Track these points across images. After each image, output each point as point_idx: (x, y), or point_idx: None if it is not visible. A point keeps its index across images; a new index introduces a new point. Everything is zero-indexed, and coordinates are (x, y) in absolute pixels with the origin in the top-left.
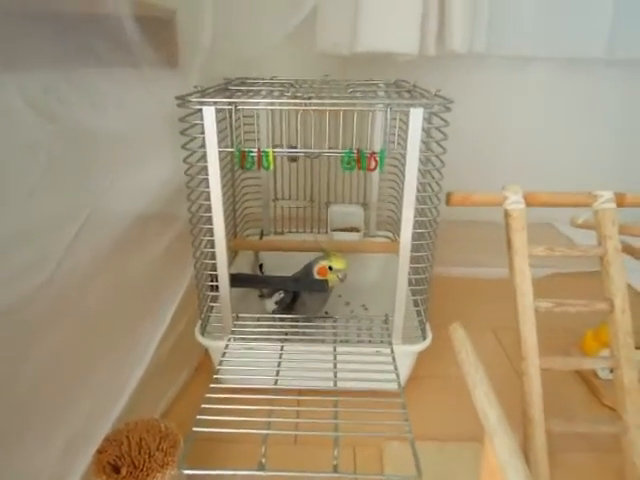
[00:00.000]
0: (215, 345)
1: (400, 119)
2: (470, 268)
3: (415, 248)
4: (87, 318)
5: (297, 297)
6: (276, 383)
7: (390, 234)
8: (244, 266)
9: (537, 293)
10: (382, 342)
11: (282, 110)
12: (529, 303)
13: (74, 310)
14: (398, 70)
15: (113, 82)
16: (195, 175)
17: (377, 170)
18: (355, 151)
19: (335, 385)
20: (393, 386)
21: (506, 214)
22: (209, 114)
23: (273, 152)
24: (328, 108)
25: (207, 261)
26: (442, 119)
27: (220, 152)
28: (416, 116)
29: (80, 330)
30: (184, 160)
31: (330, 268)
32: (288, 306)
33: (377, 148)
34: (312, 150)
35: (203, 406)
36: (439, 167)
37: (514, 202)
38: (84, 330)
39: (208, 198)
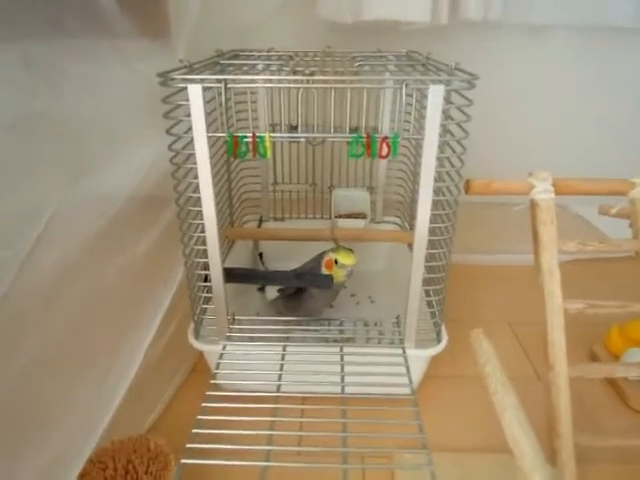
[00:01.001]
0: (211, 349)
1: (413, 97)
2: (483, 255)
3: (430, 244)
4: (59, 332)
5: (304, 288)
6: (278, 389)
7: (398, 220)
8: (242, 255)
9: None
10: (393, 345)
11: (281, 88)
12: (558, 305)
13: (43, 325)
14: (405, 41)
15: (83, 56)
16: (182, 164)
17: (390, 156)
18: (365, 136)
19: (343, 391)
20: (405, 391)
21: (533, 204)
22: (195, 93)
23: (271, 137)
24: (334, 86)
25: (198, 260)
26: (465, 97)
27: (209, 138)
28: (436, 94)
29: (51, 346)
30: (169, 147)
31: (336, 262)
32: (292, 295)
33: (385, 131)
34: (315, 135)
35: (199, 417)
36: (460, 153)
37: (542, 191)
38: (56, 345)
39: (197, 190)
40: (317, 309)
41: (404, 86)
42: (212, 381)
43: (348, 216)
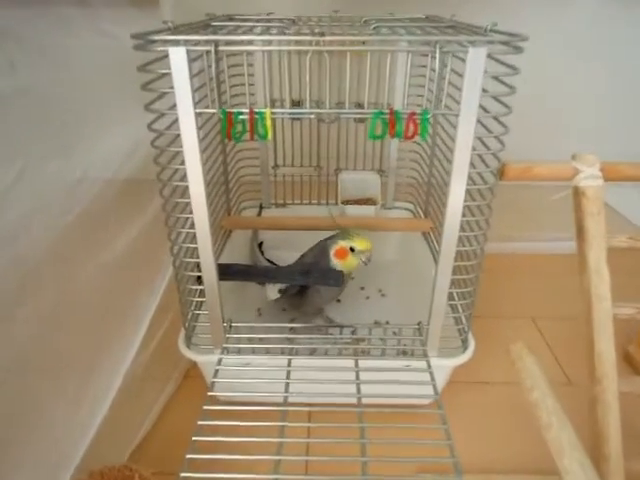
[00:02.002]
0: (205, 360)
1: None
2: (503, 243)
3: (459, 241)
4: (21, 344)
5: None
6: (285, 402)
7: (410, 205)
8: (241, 245)
9: (568, 272)
10: (415, 356)
11: (282, 53)
12: (607, 311)
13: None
14: (420, 6)
15: (62, 26)
16: (166, 147)
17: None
18: (388, 111)
19: (359, 402)
20: (430, 403)
21: (577, 192)
22: (179, 58)
23: (272, 114)
24: (351, 48)
25: (188, 259)
26: (507, 65)
27: (198, 115)
28: (476, 59)
29: (13, 361)
30: (149, 127)
31: (352, 250)
32: (296, 294)
33: (398, 105)
34: (327, 110)
35: (194, 439)
36: (499, 134)
37: (589, 177)
38: (18, 361)
39: (184, 178)
40: (323, 304)
41: (437, 49)
42: (210, 393)
43: (356, 202)
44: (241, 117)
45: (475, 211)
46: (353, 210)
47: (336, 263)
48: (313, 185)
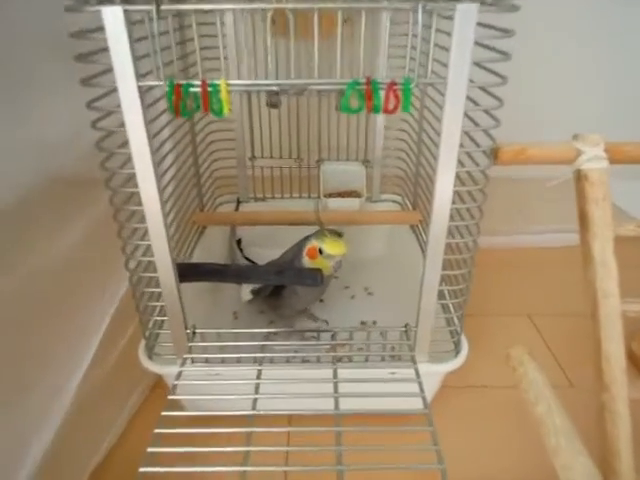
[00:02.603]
0: (168, 372)
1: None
2: (496, 237)
3: (449, 232)
4: None
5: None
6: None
7: (398, 197)
8: (217, 243)
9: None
10: (402, 362)
11: (243, 13)
12: (615, 308)
13: None
14: None
15: None
16: (110, 131)
17: (400, 110)
18: (365, 81)
19: (337, 408)
20: (419, 414)
21: (580, 177)
22: (115, 20)
23: (228, 86)
24: (319, 5)
25: (144, 258)
26: (499, 29)
27: (145, 90)
28: (466, 18)
29: None
30: (88, 105)
31: (320, 252)
32: (272, 295)
33: (382, 76)
34: (289, 81)
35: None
36: (493, 107)
37: (592, 158)
38: None
39: (131, 164)
40: (303, 306)
41: (420, 7)
42: (163, 412)
43: (340, 195)
44: (191, 89)
45: (466, 198)
46: (336, 203)
47: (308, 263)
48: (294, 177)
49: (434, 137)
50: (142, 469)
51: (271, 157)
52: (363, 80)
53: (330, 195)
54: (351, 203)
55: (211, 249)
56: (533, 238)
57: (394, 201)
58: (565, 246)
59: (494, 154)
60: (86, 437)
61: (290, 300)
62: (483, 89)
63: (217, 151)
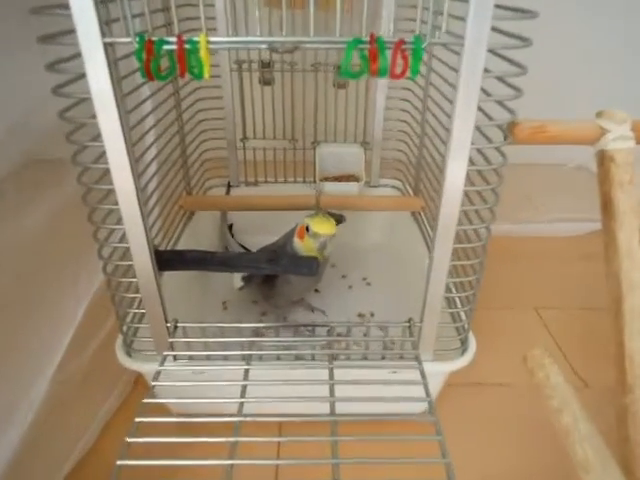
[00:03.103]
0: (149, 369)
1: None
2: (502, 225)
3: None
4: None
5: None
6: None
7: (398, 183)
8: (207, 229)
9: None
10: (403, 357)
11: None
12: None
13: None
14: None
15: None
16: (78, 98)
17: (408, 75)
18: (368, 39)
19: (332, 412)
20: (424, 420)
21: (603, 158)
22: None
23: (208, 43)
24: None
25: (118, 244)
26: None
27: (109, 47)
28: None
29: None
30: (48, 67)
31: (307, 230)
32: (264, 282)
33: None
34: (281, 39)
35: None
36: (514, 74)
37: (618, 138)
38: None
39: (100, 137)
40: (298, 296)
41: None
42: (137, 419)
43: (337, 179)
44: (166, 47)
45: (479, 181)
46: (334, 187)
47: (298, 244)
48: (288, 160)
49: (440, 116)
50: None
51: (264, 138)
52: (366, 39)
53: (326, 179)
54: (349, 187)
55: (200, 236)
56: (539, 227)
57: (394, 187)
58: (571, 236)
59: (510, 130)
60: (58, 439)
61: (283, 289)
62: (501, 56)
63: (206, 131)
